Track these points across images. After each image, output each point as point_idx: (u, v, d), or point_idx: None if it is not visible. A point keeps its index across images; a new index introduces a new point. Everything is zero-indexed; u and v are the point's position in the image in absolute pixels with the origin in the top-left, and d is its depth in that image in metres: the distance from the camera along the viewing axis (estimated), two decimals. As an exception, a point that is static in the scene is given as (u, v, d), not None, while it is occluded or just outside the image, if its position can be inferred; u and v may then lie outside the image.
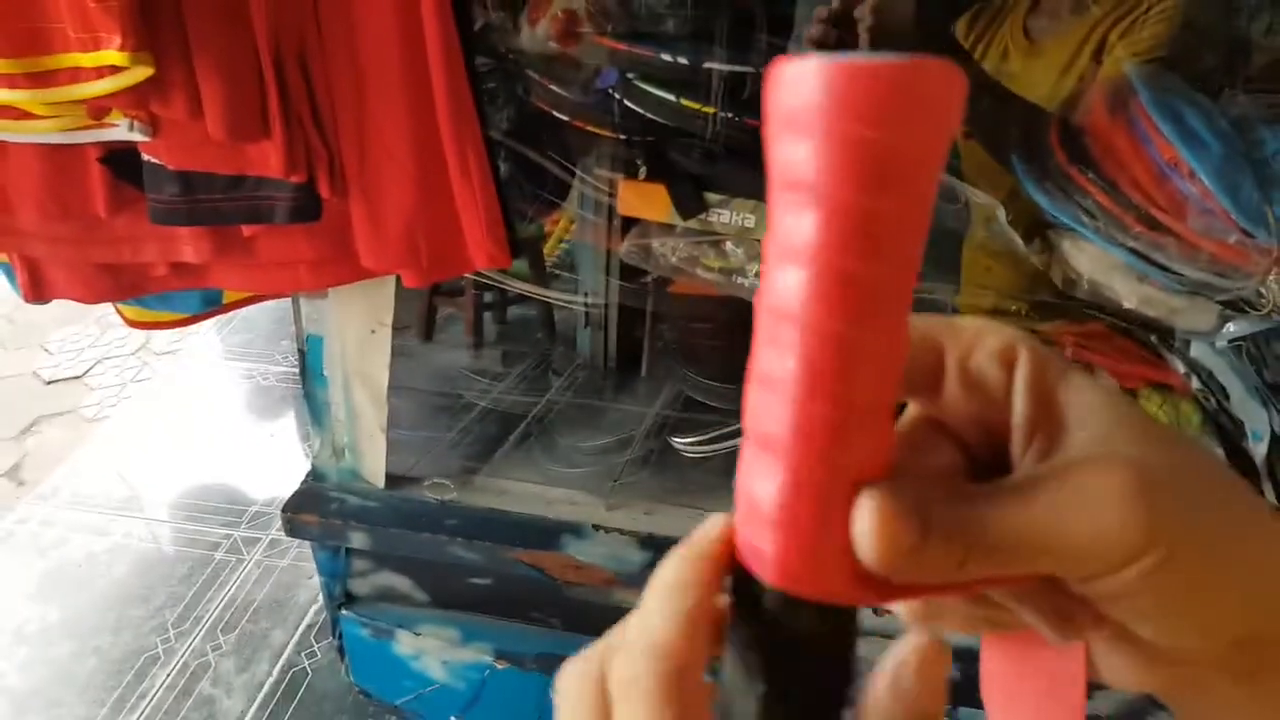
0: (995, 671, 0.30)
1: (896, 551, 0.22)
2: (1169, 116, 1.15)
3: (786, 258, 0.22)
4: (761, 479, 0.23)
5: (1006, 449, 0.26)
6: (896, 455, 0.24)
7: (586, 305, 1.47)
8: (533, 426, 1.51)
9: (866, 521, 0.22)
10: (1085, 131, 1.20)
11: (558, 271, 1.69)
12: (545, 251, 1.77)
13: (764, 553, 0.23)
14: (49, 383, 2.45)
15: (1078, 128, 1.20)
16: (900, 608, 0.28)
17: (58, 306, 1.28)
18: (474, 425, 1.56)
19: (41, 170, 1.11)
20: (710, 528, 0.25)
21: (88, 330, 2.60)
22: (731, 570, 0.25)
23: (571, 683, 0.25)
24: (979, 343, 0.26)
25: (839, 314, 0.21)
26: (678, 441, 1.27)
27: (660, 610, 0.24)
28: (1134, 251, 1.14)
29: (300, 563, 1.83)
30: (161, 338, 2.56)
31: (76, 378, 2.46)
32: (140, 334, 2.56)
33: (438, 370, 1.78)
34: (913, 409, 0.28)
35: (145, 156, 1.08)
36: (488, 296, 1.94)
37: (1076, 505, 0.23)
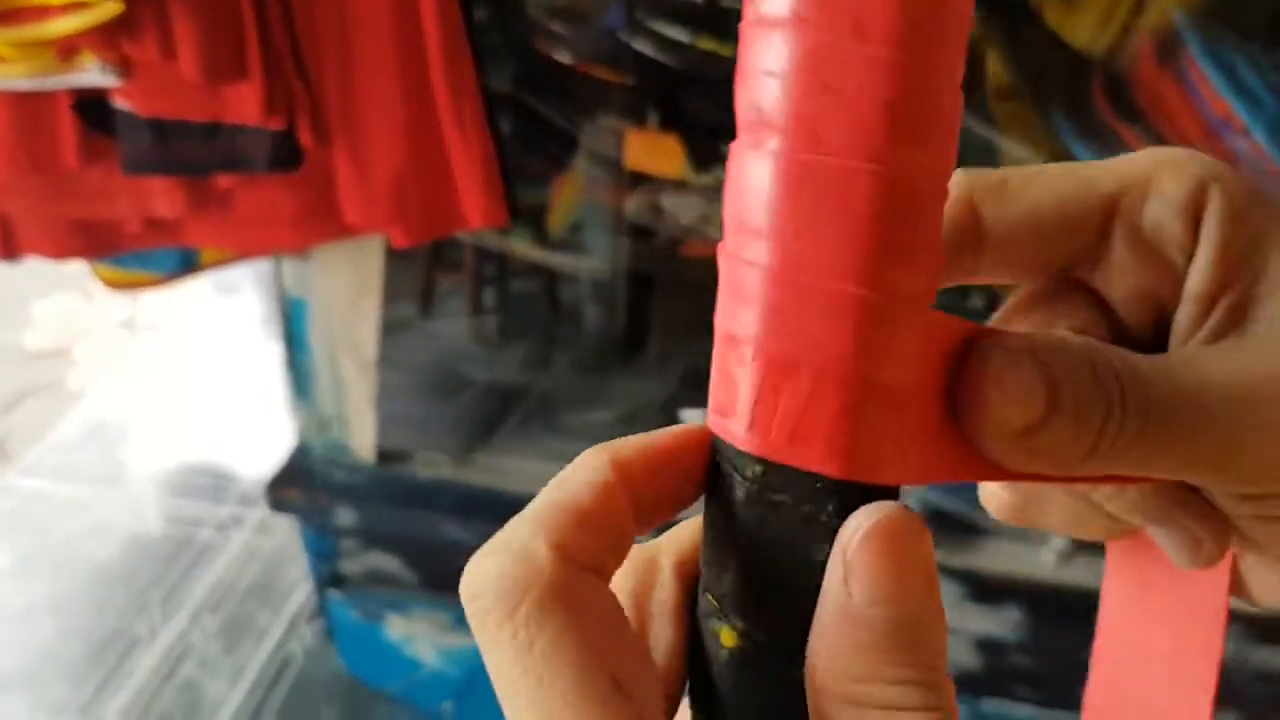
0: (1118, 579, 0.25)
1: (1010, 428, 0.17)
2: (1221, 69, 1.10)
3: None
4: (795, 320, 0.17)
5: (1166, 323, 0.20)
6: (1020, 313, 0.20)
7: (596, 275, 1.41)
8: (535, 403, 1.45)
9: (976, 384, 0.17)
10: (1131, 84, 1.15)
11: (562, 249, 1.63)
12: (550, 224, 1.71)
13: (804, 423, 0.17)
14: (33, 356, 2.40)
15: (1123, 79, 1.15)
16: (988, 498, 0.23)
17: (41, 276, 1.23)
18: (473, 401, 1.50)
19: (10, 119, 1.07)
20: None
21: (73, 301, 2.54)
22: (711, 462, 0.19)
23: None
24: (1155, 189, 0.20)
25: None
26: (687, 415, 1.20)
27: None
28: None
29: (289, 544, 1.77)
30: (149, 311, 2.50)
31: (61, 350, 2.41)
32: (127, 307, 2.51)
33: (436, 345, 1.74)
34: None
35: (117, 102, 1.02)
36: (489, 270, 1.89)
37: (1254, 394, 0.17)
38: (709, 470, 0.19)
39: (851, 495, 0.17)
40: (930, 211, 0.17)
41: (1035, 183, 0.20)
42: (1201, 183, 0.19)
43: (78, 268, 1.27)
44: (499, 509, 0.98)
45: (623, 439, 0.19)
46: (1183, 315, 0.20)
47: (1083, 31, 1.39)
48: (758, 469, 0.17)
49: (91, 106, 1.05)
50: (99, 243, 1.17)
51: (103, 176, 1.09)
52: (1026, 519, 0.23)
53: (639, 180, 1.13)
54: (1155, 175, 0.20)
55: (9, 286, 2.57)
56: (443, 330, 1.79)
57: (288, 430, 1.29)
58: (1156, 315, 0.20)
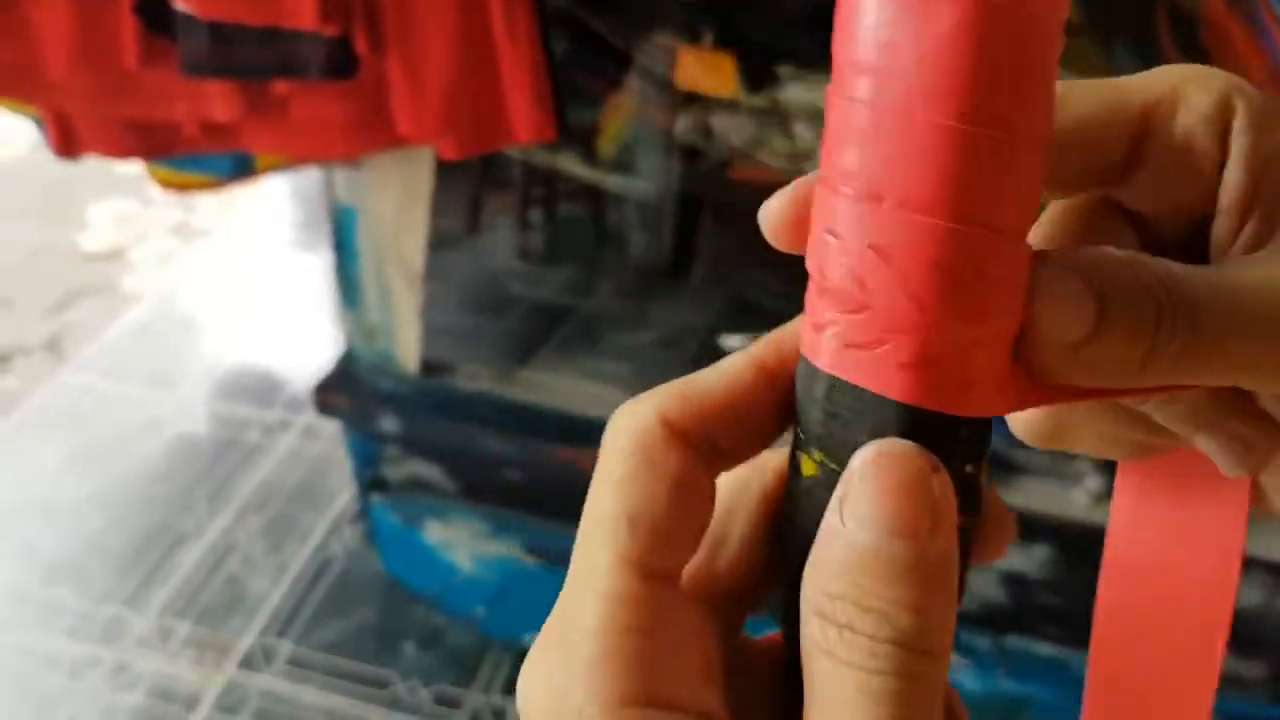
0: (1130, 500, 0.25)
1: (1062, 342, 0.17)
2: None
3: None
4: (865, 244, 0.17)
5: (1203, 237, 0.20)
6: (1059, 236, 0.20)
7: (644, 196, 1.40)
8: (577, 323, 1.46)
9: (1041, 306, 0.17)
10: (1199, 22, 1.11)
11: (611, 169, 1.62)
12: (600, 145, 1.70)
13: (892, 363, 0.17)
14: (88, 256, 2.44)
15: (1190, 17, 1.11)
16: (1017, 421, 0.23)
17: (97, 178, 1.25)
18: (517, 319, 1.52)
19: (71, 19, 1.08)
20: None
21: (127, 205, 2.57)
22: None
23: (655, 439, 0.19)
24: (1182, 102, 0.20)
25: None
26: (727, 340, 1.20)
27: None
28: None
29: (333, 449, 1.80)
30: (202, 217, 2.53)
31: (116, 253, 2.45)
32: (180, 212, 2.53)
33: (482, 263, 1.75)
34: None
35: (177, 5, 1.03)
36: (536, 191, 1.88)
37: None
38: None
39: (917, 420, 0.17)
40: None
41: (1072, 94, 0.20)
42: (1226, 95, 0.20)
43: (134, 173, 1.28)
44: (538, 424, 1.01)
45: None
46: (1219, 228, 0.20)
47: None
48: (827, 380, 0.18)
49: (152, 8, 1.06)
50: (156, 144, 1.18)
51: (162, 78, 1.10)
52: (1057, 442, 0.23)
53: (690, 100, 1.12)
54: (1182, 88, 0.20)
55: (67, 189, 2.61)
56: (489, 247, 1.80)
57: (336, 337, 1.31)
58: (1190, 228, 0.20)
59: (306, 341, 2.10)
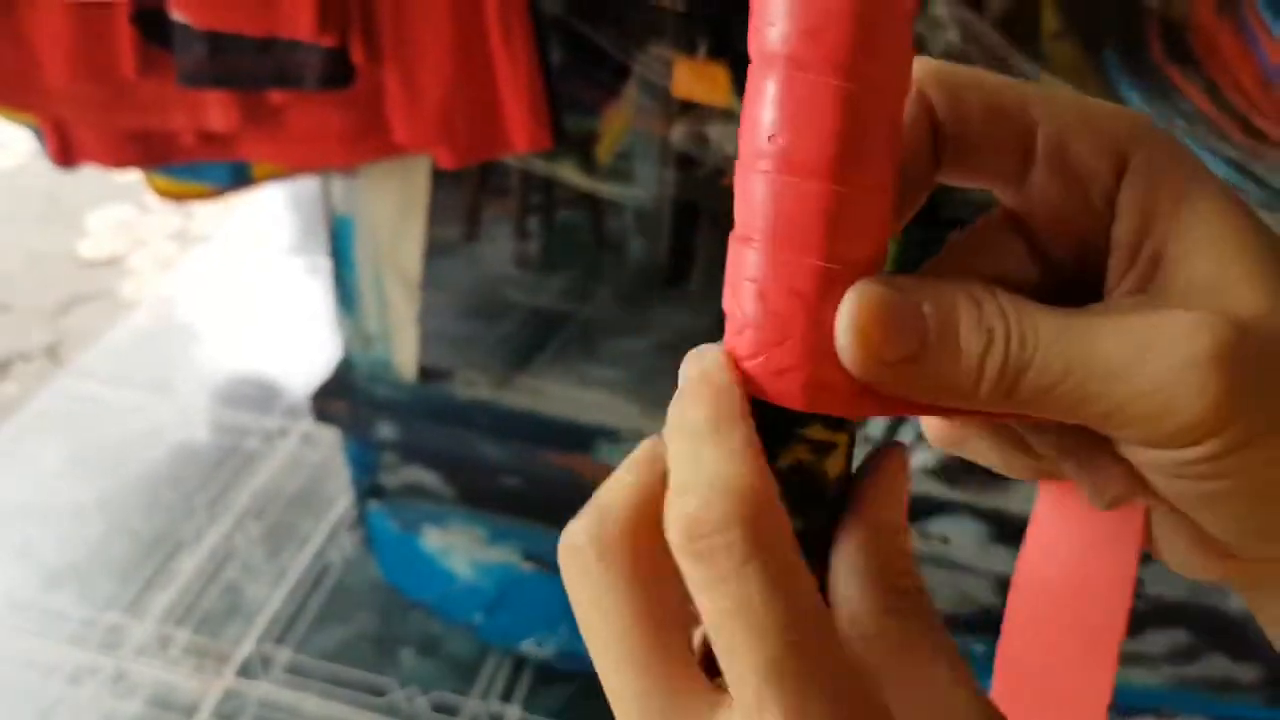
0: (1044, 519, 0.26)
1: (879, 359, 0.19)
2: None
3: None
4: (743, 279, 0.21)
5: (1102, 272, 0.21)
6: (955, 258, 0.21)
7: (641, 204, 1.41)
8: (575, 330, 1.46)
9: (844, 318, 0.19)
10: (1188, 27, 1.11)
11: (609, 177, 1.63)
12: (599, 153, 1.70)
13: (755, 364, 0.20)
14: (87, 263, 2.45)
15: (1180, 22, 1.12)
16: (925, 426, 0.24)
17: (96, 185, 1.26)
18: (515, 326, 1.52)
19: (70, 28, 1.09)
20: (709, 357, 0.21)
21: (126, 212, 2.58)
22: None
23: (594, 546, 0.20)
24: (1084, 126, 0.20)
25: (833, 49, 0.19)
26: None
27: (720, 449, 0.19)
28: (1231, 162, 1.05)
29: (332, 456, 1.81)
30: (200, 223, 2.54)
31: (114, 259, 2.46)
32: (179, 219, 2.54)
33: (480, 269, 1.75)
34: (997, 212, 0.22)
35: (174, 15, 1.03)
36: (535, 198, 1.89)
37: (1147, 351, 0.18)
38: None
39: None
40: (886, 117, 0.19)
41: (979, 81, 0.20)
42: (1133, 132, 0.20)
43: (132, 180, 1.29)
44: (535, 431, 1.02)
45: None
46: (1112, 264, 0.20)
47: None
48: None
49: (149, 18, 1.07)
50: (154, 153, 1.19)
51: (159, 88, 1.11)
52: (955, 448, 0.24)
53: (686, 108, 1.13)
54: (1090, 112, 0.20)
55: (66, 196, 2.62)
56: (487, 254, 1.80)
57: (333, 345, 1.32)
58: (1083, 258, 0.21)
59: (305, 348, 2.10)
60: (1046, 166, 0.20)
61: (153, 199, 2.61)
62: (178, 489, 1.80)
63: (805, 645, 0.17)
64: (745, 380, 0.20)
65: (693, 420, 0.19)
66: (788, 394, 0.20)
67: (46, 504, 1.77)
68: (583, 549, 0.20)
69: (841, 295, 0.19)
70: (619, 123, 1.60)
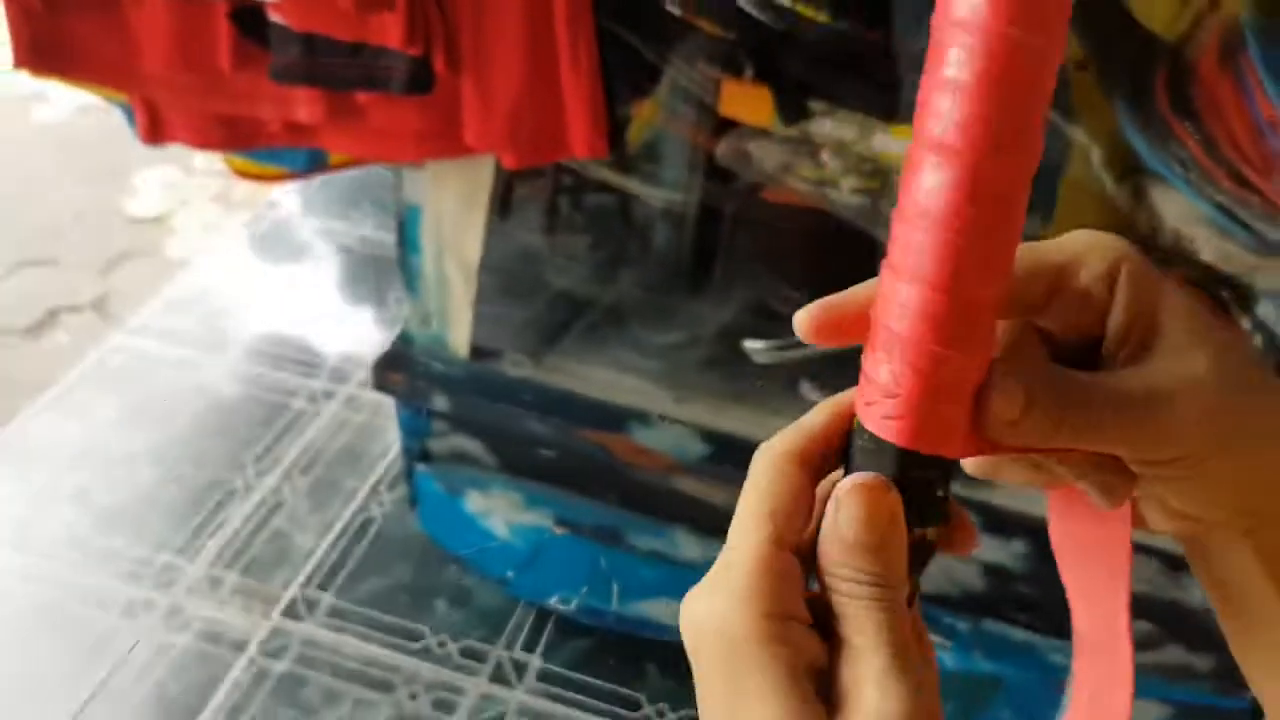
0: (1058, 526, 0.36)
1: (1002, 420, 0.29)
2: (1275, 74, 1.13)
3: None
4: (894, 358, 0.28)
5: (1095, 346, 0.32)
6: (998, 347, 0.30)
7: (668, 205, 1.50)
8: (603, 314, 1.55)
9: (991, 395, 0.28)
10: (1193, 78, 1.19)
11: (639, 163, 1.70)
12: (629, 137, 1.77)
13: (894, 420, 0.29)
14: (133, 220, 2.54)
15: (1187, 72, 1.20)
16: (970, 462, 0.33)
17: (140, 145, 1.33)
18: (546, 306, 1.60)
19: (171, 21, 1.17)
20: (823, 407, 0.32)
21: (171, 173, 2.67)
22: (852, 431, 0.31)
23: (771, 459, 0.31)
24: (1085, 263, 0.31)
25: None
26: (750, 344, 1.32)
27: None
28: (1220, 207, 1.15)
29: (375, 419, 1.92)
30: (243, 189, 2.62)
31: (160, 218, 2.55)
32: (222, 182, 2.62)
33: (510, 248, 1.82)
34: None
35: (272, 16, 1.12)
36: (566, 180, 1.96)
37: (1155, 408, 0.29)
38: None
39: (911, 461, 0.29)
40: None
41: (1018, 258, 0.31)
42: (1116, 262, 0.30)
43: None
44: (573, 409, 1.15)
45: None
46: (1108, 348, 0.31)
47: (1161, 11, 1.43)
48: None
49: (247, 16, 1.15)
50: (239, 137, 1.27)
51: (251, 79, 1.19)
52: (992, 476, 0.34)
53: (728, 125, 1.23)
54: (1086, 255, 0.31)
55: (112, 154, 2.70)
56: (517, 234, 1.87)
57: (393, 320, 1.41)
58: (1084, 345, 0.32)
59: (346, 314, 2.21)
60: (1062, 301, 0.31)
61: (198, 160, 2.70)
62: (227, 442, 1.91)
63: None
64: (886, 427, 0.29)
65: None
66: (910, 437, 0.28)
67: (102, 452, 1.88)
68: (780, 455, 0.31)
69: (953, 374, 0.28)
70: (648, 112, 1.69)
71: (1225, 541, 0.33)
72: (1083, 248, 0.31)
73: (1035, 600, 1.32)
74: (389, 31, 1.08)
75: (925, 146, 0.27)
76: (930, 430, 0.28)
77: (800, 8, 1.10)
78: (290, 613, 1.62)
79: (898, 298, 0.28)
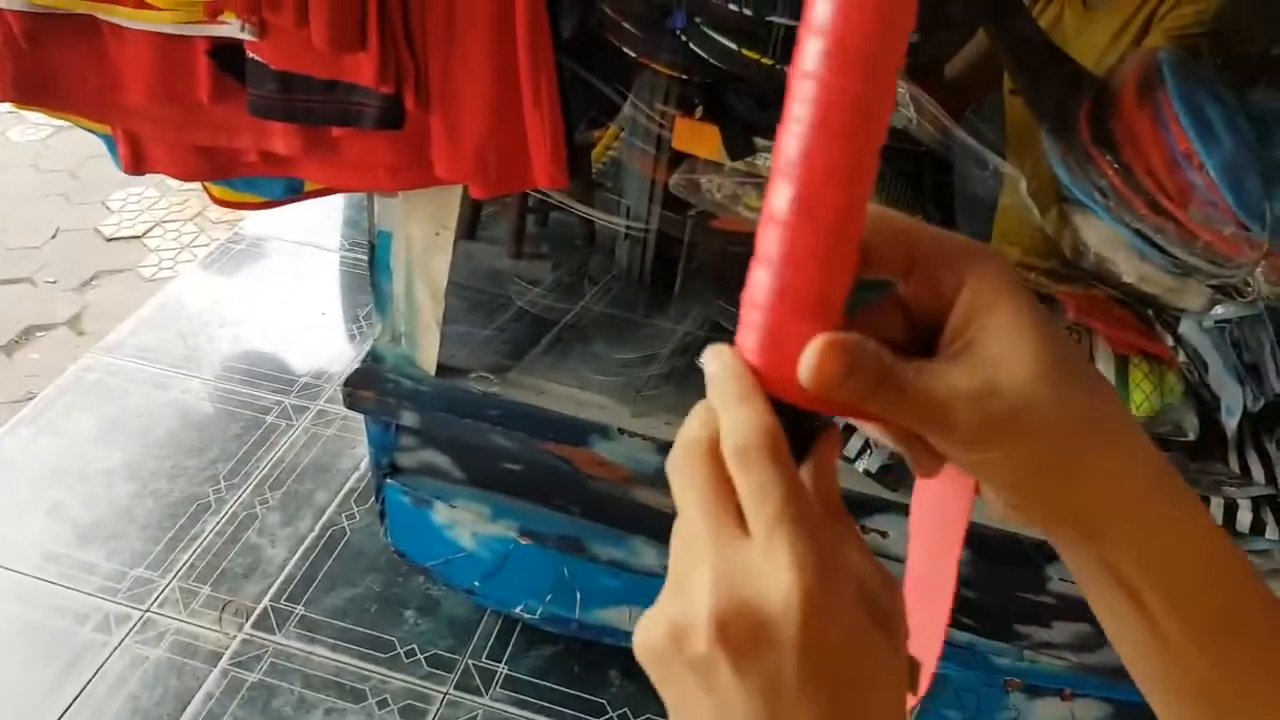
0: (917, 499, 0.42)
1: (824, 378, 0.33)
2: (1190, 109, 1.21)
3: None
4: (754, 302, 0.34)
5: (937, 339, 0.35)
6: (876, 322, 0.35)
7: (628, 229, 1.57)
8: (566, 331, 1.60)
9: (811, 352, 0.33)
10: (1113, 112, 1.26)
11: (601, 182, 1.76)
12: (593, 157, 1.82)
13: (763, 369, 0.34)
14: (109, 239, 2.57)
15: (1108, 106, 1.27)
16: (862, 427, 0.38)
17: (116, 166, 1.37)
18: (511, 324, 1.65)
19: (153, 56, 1.21)
20: (725, 355, 0.35)
21: (147, 192, 2.71)
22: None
23: (683, 459, 0.34)
24: (945, 254, 0.35)
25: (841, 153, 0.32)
26: (704, 360, 1.37)
27: (746, 408, 0.34)
28: (1138, 232, 1.23)
29: (344, 433, 1.97)
30: (218, 209, 2.65)
31: (136, 237, 2.58)
32: (198, 203, 2.66)
33: (477, 267, 1.85)
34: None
35: (250, 54, 1.18)
36: (531, 200, 2.01)
37: (955, 396, 0.33)
38: None
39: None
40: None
41: (888, 218, 0.35)
42: (972, 260, 0.34)
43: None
44: (537, 424, 1.22)
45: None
46: (942, 340, 0.34)
47: (1095, 43, 1.51)
48: None
49: (226, 53, 1.20)
50: (218, 168, 1.32)
51: (229, 112, 1.24)
52: (875, 437, 0.39)
53: (681, 158, 1.30)
54: (959, 255, 0.34)
55: (90, 173, 2.74)
56: (482, 253, 1.91)
57: (363, 338, 1.47)
58: (934, 331, 0.35)
59: (317, 332, 2.26)
60: (919, 276, 0.36)
61: (173, 181, 2.73)
62: (201, 458, 1.95)
63: (797, 508, 0.31)
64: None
65: (733, 392, 0.34)
66: (779, 388, 0.33)
67: (77, 468, 1.92)
68: (677, 461, 0.35)
69: (793, 338, 0.32)
70: (609, 134, 1.75)
71: (1061, 543, 0.36)
72: (958, 249, 0.35)
73: (978, 604, 1.39)
74: (362, 70, 1.14)
75: (777, 172, 0.33)
76: (775, 383, 0.34)
77: (746, 51, 1.18)
78: (262, 624, 1.67)
79: (757, 280, 0.34)
